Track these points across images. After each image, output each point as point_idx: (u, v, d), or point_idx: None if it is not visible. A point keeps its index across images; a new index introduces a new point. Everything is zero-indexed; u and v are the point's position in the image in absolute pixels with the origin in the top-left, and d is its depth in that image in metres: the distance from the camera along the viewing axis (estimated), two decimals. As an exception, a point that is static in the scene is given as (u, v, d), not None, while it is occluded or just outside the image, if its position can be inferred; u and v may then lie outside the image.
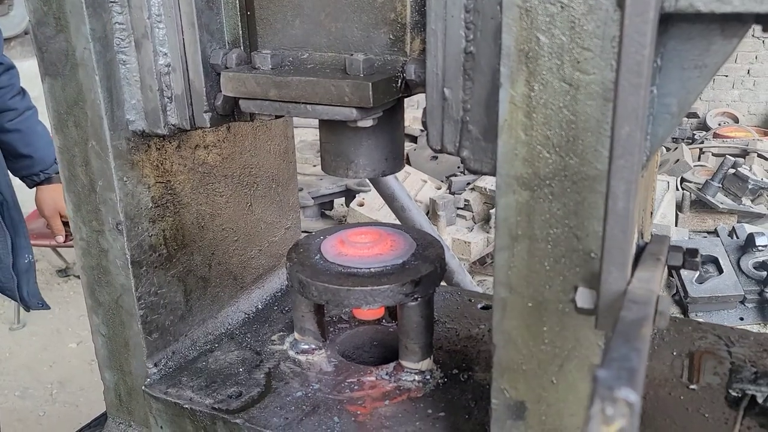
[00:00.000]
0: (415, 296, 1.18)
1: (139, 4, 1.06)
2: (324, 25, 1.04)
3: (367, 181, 4.67)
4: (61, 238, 2.49)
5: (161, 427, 1.25)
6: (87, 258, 1.23)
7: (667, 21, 0.77)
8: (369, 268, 1.22)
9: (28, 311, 2.23)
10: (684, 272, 3.66)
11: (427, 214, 4.64)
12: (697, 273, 3.67)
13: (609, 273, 0.70)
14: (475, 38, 0.87)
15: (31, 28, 1.09)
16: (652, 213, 1.28)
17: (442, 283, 1.32)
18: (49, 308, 2.35)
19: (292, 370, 1.27)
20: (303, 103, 1.01)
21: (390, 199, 3.39)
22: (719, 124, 7.12)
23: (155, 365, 1.26)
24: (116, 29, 1.07)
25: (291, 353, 1.32)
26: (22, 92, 2.25)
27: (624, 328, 0.53)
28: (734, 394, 1.04)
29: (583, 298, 0.73)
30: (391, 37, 1.00)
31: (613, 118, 0.64)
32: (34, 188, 2.39)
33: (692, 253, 1.01)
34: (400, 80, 0.99)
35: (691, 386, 1.09)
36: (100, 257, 1.21)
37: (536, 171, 0.81)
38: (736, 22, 0.76)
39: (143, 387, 1.24)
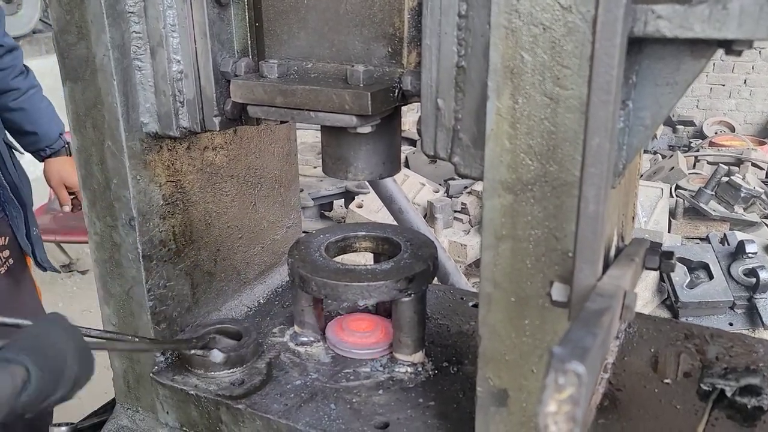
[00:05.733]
0: (409, 292, 1.25)
1: (155, 14, 1.13)
2: (327, 37, 1.11)
3: (366, 183, 4.75)
4: (67, 208, 2.53)
5: (167, 413, 1.32)
6: (100, 251, 1.30)
7: (642, 42, 0.85)
8: (365, 266, 1.30)
9: (45, 272, 2.32)
10: (675, 277, 3.73)
11: (425, 216, 4.72)
12: (688, 278, 3.74)
13: (581, 269, 0.77)
14: (466, 54, 0.94)
15: (53, 35, 1.16)
16: (634, 218, 1.36)
17: (438, 283, 1.40)
18: (59, 272, 2.40)
19: (292, 360, 1.34)
20: (307, 110, 1.08)
21: (388, 202, 3.47)
22: (715, 133, 7.21)
23: (162, 354, 1.33)
24: (133, 38, 1.15)
25: (291, 345, 1.39)
26: (26, 71, 2.32)
27: (585, 315, 0.61)
28: (705, 388, 1.12)
29: (558, 291, 0.80)
30: (389, 50, 1.07)
31: (585, 130, 0.72)
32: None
33: (668, 255, 1.09)
34: (397, 90, 1.07)
35: (665, 380, 1.16)
36: (113, 251, 1.28)
37: (519, 177, 0.88)
38: (703, 45, 0.83)
39: (151, 374, 1.31)
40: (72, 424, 1.79)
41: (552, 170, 0.87)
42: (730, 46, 0.79)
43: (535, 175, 0.87)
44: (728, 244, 3.90)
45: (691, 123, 7.47)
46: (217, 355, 1.24)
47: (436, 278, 1.37)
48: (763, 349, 1.23)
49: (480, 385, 1.00)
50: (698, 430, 1.00)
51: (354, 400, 1.21)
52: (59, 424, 1.93)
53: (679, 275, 3.74)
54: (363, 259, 3.44)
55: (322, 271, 1.27)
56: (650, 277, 3.77)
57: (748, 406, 1.07)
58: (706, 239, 4.16)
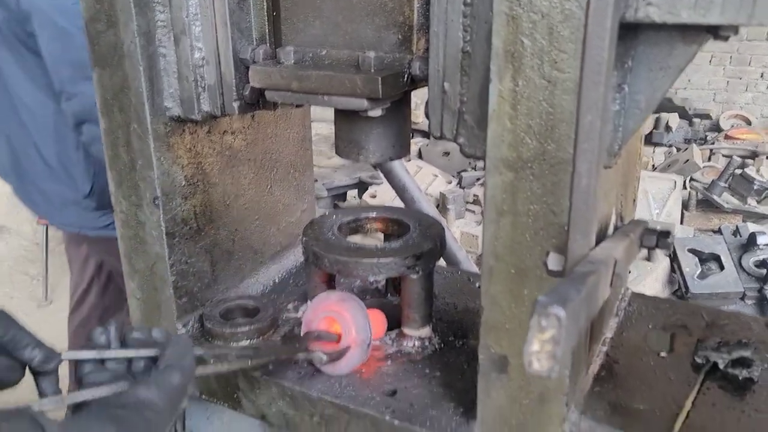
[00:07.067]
0: (417, 269, 1.31)
1: (179, 4, 1.20)
2: (341, 26, 1.18)
3: (380, 173, 4.81)
4: None
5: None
6: (126, 229, 1.38)
7: (637, 28, 0.90)
8: (375, 244, 1.37)
9: None
10: (686, 268, 3.76)
11: (437, 207, 4.77)
12: (699, 269, 3.77)
13: (574, 240, 0.83)
14: (471, 39, 1.00)
15: (84, 23, 1.24)
16: (635, 201, 1.41)
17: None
18: None
19: (306, 334, 1.41)
20: (321, 94, 1.15)
21: (401, 191, 3.52)
22: (731, 126, 7.17)
23: (183, 326, 1.40)
24: (158, 26, 1.22)
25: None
26: None
27: (573, 275, 0.67)
28: (699, 360, 1.17)
29: (554, 261, 0.86)
30: (399, 37, 1.13)
31: (578, 108, 0.77)
32: None
33: (665, 234, 1.14)
34: (406, 75, 1.13)
35: (661, 354, 1.22)
36: (138, 228, 1.36)
37: (520, 155, 0.94)
38: (693, 30, 0.88)
39: (173, 345, 1.39)
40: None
41: (550, 149, 0.92)
42: (716, 32, 0.84)
43: (535, 153, 0.93)
44: (740, 236, 3.92)
45: (707, 116, 7.43)
46: (317, 358, 1.22)
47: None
48: (757, 327, 1.28)
49: (482, 353, 1.06)
50: (689, 398, 1.05)
51: (363, 370, 1.28)
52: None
53: (690, 266, 3.77)
54: (375, 242, 3.50)
55: (334, 248, 1.34)
56: (661, 268, 3.80)
57: (740, 378, 1.12)
58: (719, 231, 4.17)
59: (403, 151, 1.30)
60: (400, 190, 3.56)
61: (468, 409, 1.14)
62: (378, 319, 1.38)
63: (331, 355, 1.22)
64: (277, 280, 1.66)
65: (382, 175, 4.48)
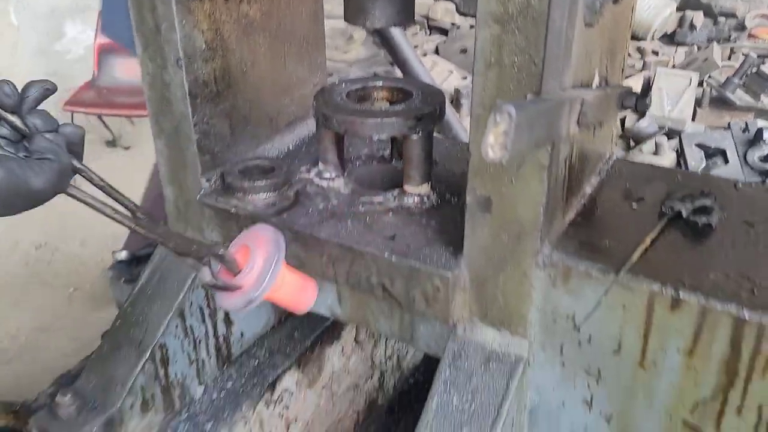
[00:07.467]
0: (417, 130, 1.44)
1: None
2: None
3: (397, 69, 4.83)
4: None
5: (212, 231, 1.57)
6: (152, 90, 1.51)
7: None
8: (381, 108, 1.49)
9: None
10: (691, 162, 3.84)
11: (451, 102, 4.83)
12: (704, 163, 3.85)
13: (547, 82, 0.95)
14: None
15: None
16: (623, 71, 1.50)
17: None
18: None
19: (316, 191, 1.56)
20: (328, -43, 1.23)
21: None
22: (756, 25, 6.95)
23: (207, 181, 1.56)
24: None
25: (315, 180, 1.61)
26: None
27: (538, 98, 0.79)
28: (665, 210, 1.30)
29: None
30: None
31: (553, -42, 0.87)
32: None
33: (644, 94, 1.25)
34: (408, -62, 1.20)
35: (633, 206, 1.35)
36: (163, 89, 1.49)
37: (506, 8, 1.03)
38: None
39: (198, 198, 1.55)
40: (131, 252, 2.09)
41: (533, 3, 1.01)
42: None
43: (520, 7, 1.02)
44: (749, 132, 3.96)
45: (733, 15, 7.19)
46: (205, 273, 1.12)
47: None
48: (725, 185, 1.40)
49: (469, 195, 1.20)
50: (648, 236, 1.20)
51: (367, 219, 1.44)
52: (120, 251, 2.25)
53: (696, 160, 3.85)
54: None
55: (342, 110, 1.47)
56: (666, 162, 3.89)
57: (699, 224, 1.26)
58: (729, 128, 4.20)
59: (407, 18, 1.39)
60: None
61: (457, 248, 1.30)
62: (308, 288, 1.23)
63: (219, 282, 1.11)
64: (291, 147, 1.80)
65: (398, 69, 4.51)
